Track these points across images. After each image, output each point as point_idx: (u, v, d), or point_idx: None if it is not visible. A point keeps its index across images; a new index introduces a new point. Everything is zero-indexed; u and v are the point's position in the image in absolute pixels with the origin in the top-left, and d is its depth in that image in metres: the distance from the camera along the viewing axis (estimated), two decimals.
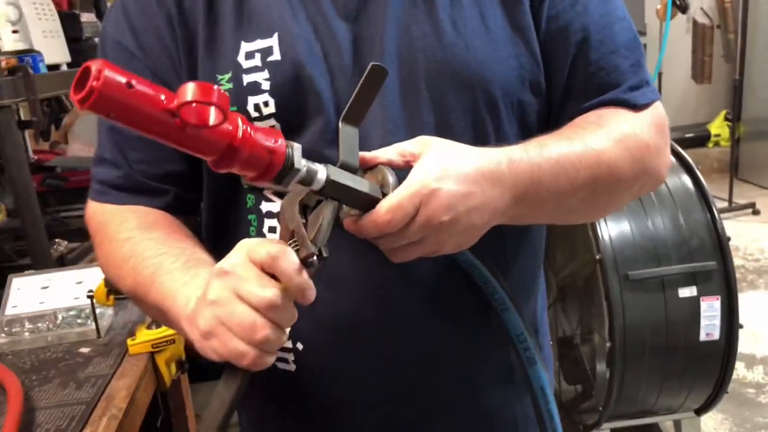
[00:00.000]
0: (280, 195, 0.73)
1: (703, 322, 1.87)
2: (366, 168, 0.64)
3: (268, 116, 0.70)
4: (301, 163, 0.57)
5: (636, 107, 0.74)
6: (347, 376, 0.77)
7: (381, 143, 0.67)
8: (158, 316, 0.73)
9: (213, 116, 0.51)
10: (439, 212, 0.60)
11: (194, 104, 0.50)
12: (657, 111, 0.76)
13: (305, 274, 0.58)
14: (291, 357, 0.78)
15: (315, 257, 0.58)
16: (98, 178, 0.81)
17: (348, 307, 0.73)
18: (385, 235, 0.62)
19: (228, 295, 0.58)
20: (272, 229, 0.74)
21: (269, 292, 0.57)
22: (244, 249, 0.59)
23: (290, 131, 0.68)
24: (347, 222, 0.63)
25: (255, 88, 0.70)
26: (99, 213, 0.80)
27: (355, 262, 0.72)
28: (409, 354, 0.76)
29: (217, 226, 0.80)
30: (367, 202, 0.61)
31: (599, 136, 0.71)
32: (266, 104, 0.70)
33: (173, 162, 0.77)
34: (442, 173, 0.61)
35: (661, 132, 0.76)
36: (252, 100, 0.70)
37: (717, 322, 1.88)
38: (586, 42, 0.73)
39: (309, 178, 0.58)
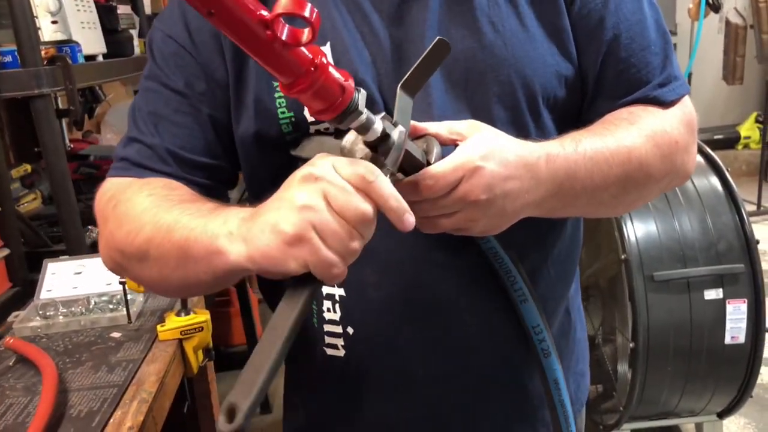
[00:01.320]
0: None
1: (729, 325, 1.86)
2: (414, 137, 0.66)
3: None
4: (365, 109, 0.58)
5: (665, 104, 0.76)
6: (395, 359, 0.79)
7: None
8: (177, 262, 0.65)
9: (305, 34, 0.51)
10: (478, 189, 0.62)
11: (285, 18, 0.49)
12: (686, 107, 0.78)
13: (401, 198, 0.57)
14: (341, 342, 0.80)
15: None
16: (122, 155, 0.78)
17: (397, 291, 0.76)
18: (421, 201, 0.63)
19: (321, 201, 0.54)
20: None
21: (368, 207, 0.55)
22: (329, 162, 0.56)
23: (342, 135, 0.68)
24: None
25: None
26: (115, 185, 0.76)
27: (402, 247, 0.74)
28: (455, 336, 0.78)
29: None
30: (412, 165, 0.63)
31: (631, 132, 0.73)
32: None
33: (211, 155, 0.77)
34: (487, 154, 0.63)
35: (690, 128, 0.78)
36: None
37: (743, 325, 1.86)
38: (617, 40, 0.75)
39: (367, 125, 0.59)
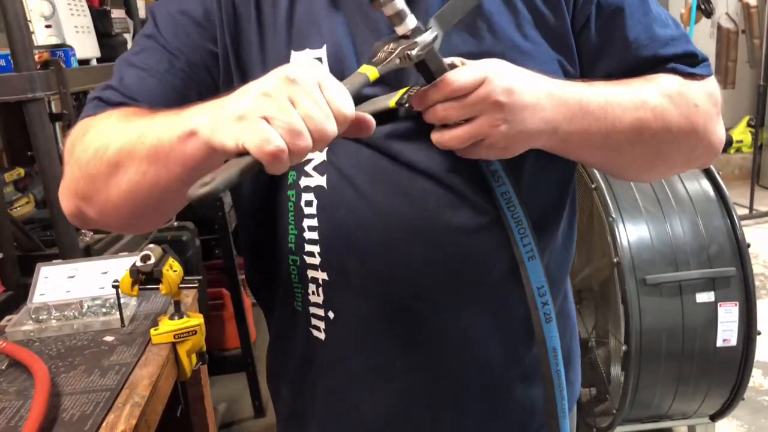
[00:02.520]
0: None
1: (721, 328, 1.87)
2: None
3: None
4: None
5: (687, 75, 0.77)
6: (372, 348, 0.79)
7: None
8: (149, 164, 0.65)
9: None
10: (498, 90, 0.65)
11: None
12: (710, 82, 0.78)
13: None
14: (322, 325, 0.80)
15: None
16: (96, 95, 0.77)
17: (377, 280, 0.76)
18: (444, 102, 0.66)
19: (284, 96, 0.55)
20: (308, 203, 0.76)
21: (334, 127, 0.56)
22: (315, 72, 0.57)
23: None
24: (416, 96, 0.67)
25: None
26: (86, 121, 0.75)
27: (382, 236, 0.74)
28: (436, 326, 0.77)
29: (255, 201, 0.82)
30: (438, 69, 0.66)
31: (646, 86, 0.74)
32: None
33: None
34: (506, 66, 0.68)
35: (713, 101, 0.78)
36: None
37: (734, 328, 1.87)
38: (621, 13, 0.76)
39: (402, 15, 0.64)
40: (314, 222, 0.76)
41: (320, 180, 0.76)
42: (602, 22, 0.76)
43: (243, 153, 0.55)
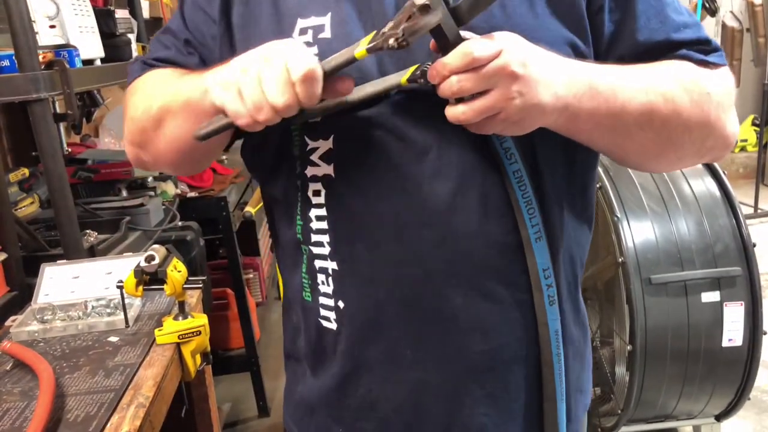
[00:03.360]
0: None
1: (726, 328, 1.86)
2: None
3: None
4: None
5: (700, 62, 0.76)
6: (383, 338, 0.79)
7: None
8: (187, 117, 0.77)
9: None
10: (515, 61, 0.65)
11: None
12: (724, 72, 0.78)
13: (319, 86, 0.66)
14: (333, 315, 0.80)
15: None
16: (140, 58, 0.90)
17: (387, 268, 0.76)
18: (463, 76, 0.66)
19: (254, 73, 0.66)
20: (317, 193, 0.78)
21: (281, 99, 0.65)
22: (287, 50, 0.66)
23: None
24: (433, 67, 0.67)
25: None
26: (138, 81, 0.88)
27: (393, 221, 0.75)
28: (447, 314, 0.77)
29: (266, 194, 0.89)
30: (453, 41, 0.66)
31: (658, 72, 0.74)
32: None
33: None
34: (520, 40, 0.68)
35: (726, 91, 0.77)
36: None
37: (740, 327, 1.87)
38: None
39: None
40: (323, 212, 0.77)
41: (327, 169, 0.76)
42: (616, 4, 0.76)
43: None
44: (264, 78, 0.65)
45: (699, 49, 0.76)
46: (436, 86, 0.67)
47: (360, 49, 0.66)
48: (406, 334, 0.78)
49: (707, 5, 4.33)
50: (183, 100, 0.77)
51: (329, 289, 0.80)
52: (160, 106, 0.80)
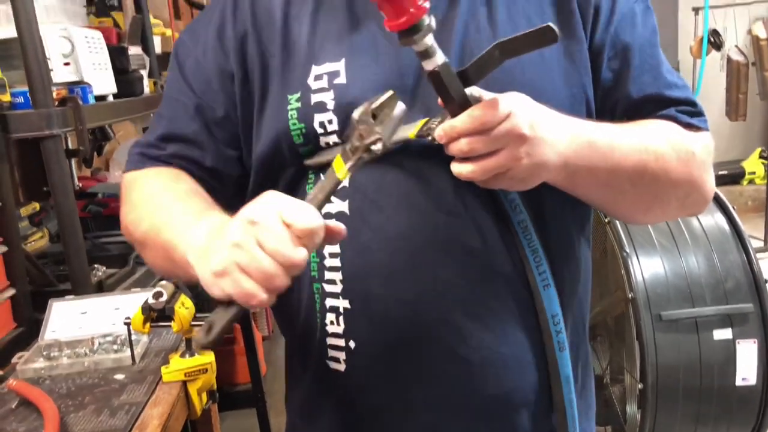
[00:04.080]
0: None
1: (740, 366, 1.83)
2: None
3: (332, 132, 0.76)
4: (432, 35, 0.66)
5: (686, 125, 0.80)
6: (395, 380, 0.78)
7: None
8: (165, 260, 0.76)
9: None
10: (524, 124, 0.67)
11: None
12: (706, 135, 0.82)
13: (321, 232, 0.63)
14: (342, 356, 0.79)
15: (379, 143, 0.65)
16: (138, 151, 0.88)
17: (400, 305, 0.76)
18: (470, 135, 0.67)
19: (252, 242, 0.61)
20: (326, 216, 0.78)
21: (301, 254, 0.61)
22: (274, 204, 0.62)
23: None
24: (441, 128, 0.68)
25: (321, 107, 0.76)
26: (133, 176, 0.87)
27: (407, 260, 0.75)
28: (461, 355, 0.77)
29: None
30: (460, 103, 0.67)
31: (649, 132, 0.77)
32: (330, 122, 0.76)
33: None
34: (527, 100, 0.70)
35: (707, 151, 0.81)
36: (318, 118, 0.76)
37: (754, 366, 1.84)
38: (630, 51, 0.80)
39: (431, 51, 0.66)
40: (336, 249, 0.77)
41: (342, 206, 0.77)
42: (615, 53, 0.79)
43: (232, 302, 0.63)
44: (265, 241, 0.60)
45: (686, 111, 0.81)
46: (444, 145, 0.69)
47: (341, 172, 0.66)
48: (419, 375, 0.77)
49: (712, 39, 4.37)
50: (165, 241, 0.74)
51: (339, 329, 0.79)
52: (145, 231, 0.80)
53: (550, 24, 0.64)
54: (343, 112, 0.74)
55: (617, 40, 0.79)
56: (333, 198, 0.76)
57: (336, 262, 0.77)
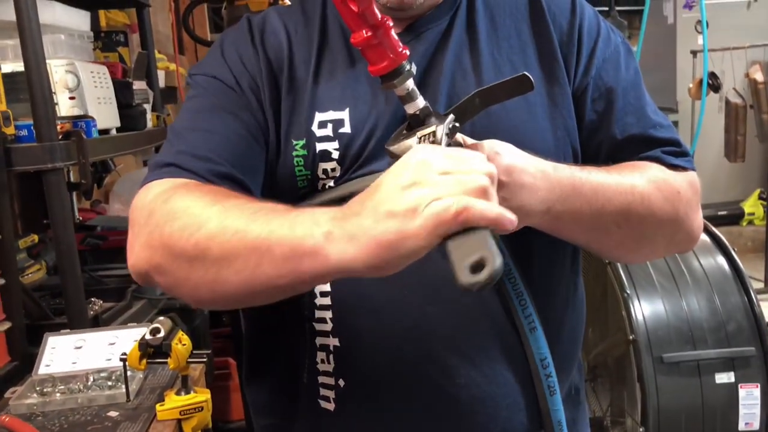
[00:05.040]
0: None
1: (742, 411, 1.81)
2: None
3: (332, 178, 0.78)
4: (412, 80, 0.68)
5: (671, 166, 0.81)
6: (384, 418, 0.78)
7: None
8: (250, 259, 0.61)
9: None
10: (499, 170, 0.65)
11: None
12: (692, 174, 0.83)
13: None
14: (332, 395, 0.79)
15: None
16: (167, 161, 0.74)
17: (390, 342, 0.76)
18: None
19: (423, 172, 0.56)
20: None
21: (488, 168, 0.58)
22: (424, 150, 0.60)
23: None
24: None
25: (325, 156, 0.78)
26: (165, 184, 0.72)
27: (396, 295, 0.75)
28: (450, 393, 0.77)
29: None
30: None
31: (633, 173, 0.78)
32: (333, 170, 0.78)
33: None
34: (505, 147, 0.70)
35: (694, 189, 0.82)
36: (322, 166, 0.78)
37: (757, 410, 1.81)
38: (614, 93, 0.82)
39: (413, 95, 0.69)
40: (326, 287, 0.77)
41: None
42: (598, 95, 0.81)
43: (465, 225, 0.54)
44: (454, 169, 0.57)
45: (671, 152, 0.82)
46: None
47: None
48: (408, 412, 0.77)
49: (711, 82, 4.42)
50: (256, 240, 0.61)
51: (329, 368, 0.79)
52: (209, 235, 0.63)
53: (526, 73, 0.67)
54: (348, 161, 0.77)
55: (601, 82, 0.81)
56: None
57: (326, 301, 0.78)
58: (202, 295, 0.69)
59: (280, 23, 0.84)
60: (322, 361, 0.79)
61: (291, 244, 0.59)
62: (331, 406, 0.79)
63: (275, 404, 0.88)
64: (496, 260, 0.51)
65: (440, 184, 0.55)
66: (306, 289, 0.71)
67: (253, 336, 0.91)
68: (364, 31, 0.65)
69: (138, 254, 0.70)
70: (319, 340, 0.79)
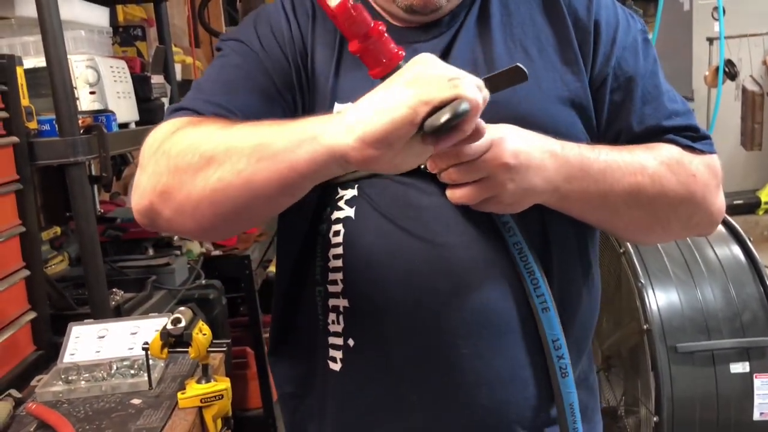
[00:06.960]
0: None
1: (757, 401, 1.81)
2: None
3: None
4: None
5: (686, 147, 0.81)
6: (389, 378, 0.80)
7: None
8: (253, 155, 0.66)
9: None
10: (506, 154, 0.71)
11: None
12: (710, 157, 0.83)
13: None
14: (340, 355, 0.82)
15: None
16: (180, 106, 0.80)
17: (398, 307, 0.78)
18: (455, 165, 0.71)
19: (424, 71, 0.62)
20: (336, 233, 0.81)
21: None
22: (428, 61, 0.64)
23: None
24: (431, 160, 0.72)
25: None
26: (174, 122, 0.76)
27: (405, 266, 0.78)
28: (456, 363, 0.78)
29: (287, 233, 0.88)
30: None
31: (646, 154, 0.79)
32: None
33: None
34: (512, 131, 0.74)
35: (712, 172, 0.82)
36: None
37: None
38: (633, 81, 0.82)
39: None
40: (339, 250, 0.80)
41: (349, 212, 0.80)
42: (617, 85, 0.82)
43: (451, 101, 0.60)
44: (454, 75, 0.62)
45: (687, 136, 0.82)
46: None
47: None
48: (413, 376, 0.79)
49: (727, 69, 4.38)
50: (257, 143, 0.66)
51: (339, 328, 0.82)
52: (215, 144, 0.68)
53: (519, 64, 0.70)
54: None
55: (620, 72, 0.82)
56: (343, 204, 0.81)
57: (338, 263, 0.81)
58: (204, 212, 0.70)
59: (310, 5, 0.87)
60: (333, 322, 0.82)
61: (292, 134, 0.65)
62: (337, 366, 0.82)
63: (294, 371, 0.92)
64: (460, 105, 0.59)
65: (434, 84, 0.60)
66: (300, 193, 0.70)
67: (278, 308, 0.94)
68: (357, 41, 0.69)
69: (144, 187, 0.74)
70: (331, 301, 0.82)
